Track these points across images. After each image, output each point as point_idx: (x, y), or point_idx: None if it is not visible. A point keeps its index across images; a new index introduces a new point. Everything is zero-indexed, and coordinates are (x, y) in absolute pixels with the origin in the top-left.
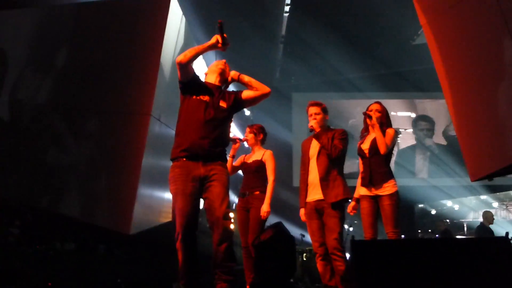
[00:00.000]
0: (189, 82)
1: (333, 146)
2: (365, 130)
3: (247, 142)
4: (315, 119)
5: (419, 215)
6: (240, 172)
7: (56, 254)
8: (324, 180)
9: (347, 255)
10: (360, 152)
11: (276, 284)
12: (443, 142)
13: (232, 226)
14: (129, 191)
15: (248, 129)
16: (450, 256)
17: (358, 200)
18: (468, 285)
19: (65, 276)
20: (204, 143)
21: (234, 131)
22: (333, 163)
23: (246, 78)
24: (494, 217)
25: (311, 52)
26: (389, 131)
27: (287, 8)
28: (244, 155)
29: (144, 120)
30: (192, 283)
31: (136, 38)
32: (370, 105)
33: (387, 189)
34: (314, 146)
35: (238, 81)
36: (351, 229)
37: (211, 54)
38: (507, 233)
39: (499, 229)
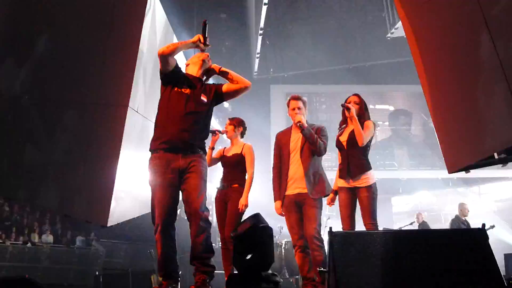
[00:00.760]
0: (170, 74)
1: (320, 145)
2: (343, 123)
3: (226, 134)
4: (296, 113)
5: (397, 207)
6: (219, 164)
7: (33, 246)
8: (308, 175)
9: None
10: (338, 144)
11: (254, 275)
12: (421, 134)
13: (210, 218)
14: (106, 183)
15: (228, 122)
16: (427, 247)
17: (336, 192)
18: (445, 275)
19: (42, 268)
20: (184, 136)
21: (213, 123)
22: (315, 158)
23: (226, 71)
24: (470, 209)
25: (289, 44)
26: (367, 123)
27: (266, 0)
28: (223, 148)
29: (121, 112)
30: (171, 275)
31: (114, 29)
32: (349, 97)
33: (364, 181)
34: (296, 139)
35: (218, 74)
36: (329, 221)
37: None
38: (483, 225)
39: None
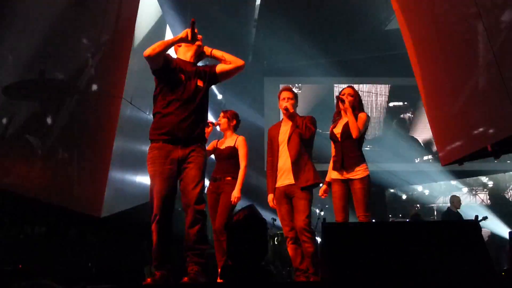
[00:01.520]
0: (161, 69)
1: (306, 127)
2: (337, 115)
3: (219, 126)
4: (287, 102)
5: (390, 199)
6: (212, 156)
7: (26, 238)
8: (295, 165)
9: (318, 239)
10: (332, 136)
11: (248, 267)
12: (414, 127)
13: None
14: (100, 173)
15: (222, 114)
16: (421, 239)
17: (329, 184)
18: (438, 267)
19: (36, 260)
20: (184, 126)
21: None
22: (303, 148)
23: (218, 53)
24: (463, 202)
25: (283, 36)
26: (362, 115)
27: None
28: (216, 140)
29: (115, 103)
30: (164, 266)
31: (108, 19)
32: (343, 89)
33: (358, 173)
34: (284, 132)
35: (211, 56)
36: (322, 213)
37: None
38: (476, 216)
39: (468, 213)
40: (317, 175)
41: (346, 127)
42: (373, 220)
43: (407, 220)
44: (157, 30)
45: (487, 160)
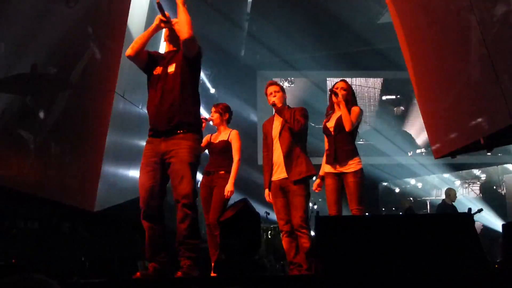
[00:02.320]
0: (147, 65)
1: (295, 120)
2: (331, 108)
3: (212, 121)
4: (275, 96)
5: (383, 193)
6: (206, 151)
7: (19, 232)
8: (288, 158)
9: (312, 232)
10: (326, 130)
11: (241, 261)
12: (408, 120)
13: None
14: (93, 168)
15: (213, 109)
16: (414, 232)
17: (323, 178)
18: (431, 260)
19: (28, 254)
20: (163, 119)
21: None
22: (295, 140)
23: (181, 9)
24: (456, 195)
25: (276, 30)
26: (355, 109)
27: None
28: (210, 135)
29: (108, 97)
30: (155, 258)
31: (100, 13)
32: (336, 83)
33: (351, 166)
34: (276, 126)
35: (165, 27)
36: (315, 206)
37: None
38: (469, 209)
39: (461, 206)
40: (310, 167)
41: (339, 120)
42: (367, 214)
43: (400, 213)
44: (149, 24)
45: (480, 153)
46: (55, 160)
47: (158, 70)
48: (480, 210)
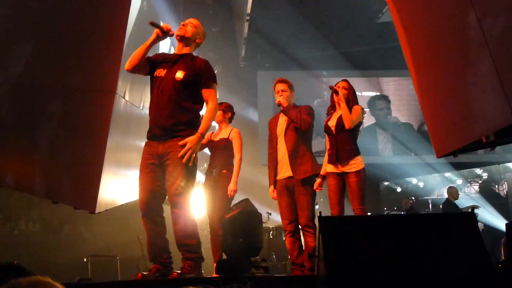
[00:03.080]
0: (149, 72)
1: (302, 119)
2: (332, 108)
3: (214, 119)
4: (281, 95)
5: (385, 192)
6: (206, 150)
7: (20, 234)
8: (293, 157)
9: None
10: (327, 129)
11: (243, 261)
12: (409, 120)
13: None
14: (94, 169)
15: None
16: (417, 232)
17: (324, 177)
18: (434, 259)
19: (30, 255)
20: (160, 122)
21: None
22: (300, 139)
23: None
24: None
25: (276, 30)
26: (356, 108)
27: None
28: (211, 133)
29: (108, 98)
30: (158, 261)
31: (100, 13)
32: (337, 83)
33: (353, 166)
34: (281, 123)
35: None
36: (317, 206)
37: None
38: (472, 208)
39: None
40: (315, 166)
41: (340, 119)
42: (369, 213)
43: (402, 213)
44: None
45: (482, 152)
46: (56, 162)
47: (161, 72)
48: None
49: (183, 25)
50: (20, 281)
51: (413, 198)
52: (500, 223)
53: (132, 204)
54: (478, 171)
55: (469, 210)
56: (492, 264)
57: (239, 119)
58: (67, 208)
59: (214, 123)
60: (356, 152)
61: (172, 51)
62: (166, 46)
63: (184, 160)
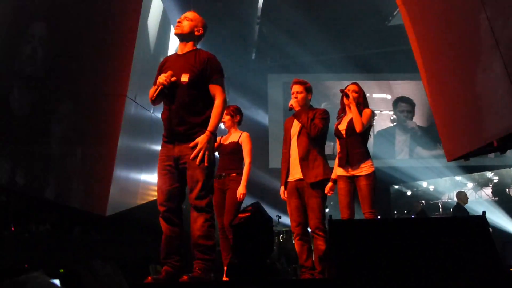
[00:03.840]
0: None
1: (312, 125)
2: (342, 111)
3: (224, 124)
4: (296, 97)
5: (395, 196)
6: (216, 153)
7: (31, 236)
8: (304, 160)
9: None
10: (337, 133)
11: (254, 264)
12: (420, 122)
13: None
14: (105, 172)
15: (225, 111)
16: (428, 235)
17: (335, 181)
18: (446, 263)
19: (40, 258)
20: (173, 125)
21: None
22: (313, 142)
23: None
24: (469, 197)
25: (286, 33)
26: (366, 111)
27: None
28: (220, 137)
29: (119, 101)
30: (169, 263)
31: (111, 18)
32: (347, 86)
33: (364, 169)
34: (296, 125)
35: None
36: (327, 210)
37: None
38: (484, 212)
39: (474, 209)
40: (327, 170)
41: (350, 123)
42: (379, 217)
43: (412, 216)
44: (160, 28)
45: (493, 155)
46: (67, 165)
47: (174, 77)
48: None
49: (179, 22)
50: (17, 280)
51: (423, 201)
52: (510, 226)
53: (143, 206)
54: (489, 174)
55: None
56: (504, 268)
57: (249, 123)
58: (77, 210)
59: (223, 127)
60: (366, 156)
61: None
62: (174, 47)
63: (197, 162)
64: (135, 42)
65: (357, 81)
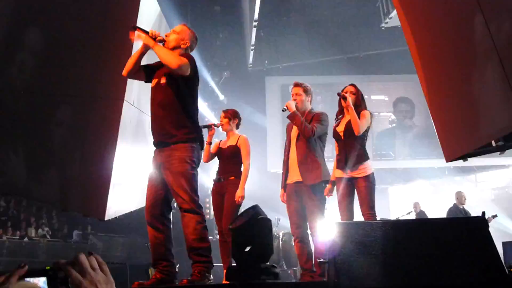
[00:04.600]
0: (147, 79)
1: (305, 127)
2: (340, 113)
3: (222, 127)
4: (295, 99)
5: (394, 197)
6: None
7: (30, 240)
8: (303, 163)
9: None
10: (335, 135)
11: (253, 267)
12: (417, 123)
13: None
14: (103, 176)
15: (223, 114)
16: (428, 236)
17: (334, 183)
18: (445, 264)
19: (39, 263)
20: (155, 130)
21: (208, 115)
22: (311, 145)
23: (156, 49)
24: (468, 198)
25: (284, 36)
26: (364, 113)
27: None
28: (219, 141)
29: (117, 105)
30: (159, 269)
31: (108, 22)
32: (345, 87)
33: (362, 171)
34: (295, 128)
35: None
36: (326, 211)
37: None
38: (483, 213)
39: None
40: (326, 173)
41: (348, 125)
42: (378, 218)
43: (411, 217)
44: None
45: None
46: (65, 169)
47: (153, 82)
48: (494, 216)
49: (166, 36)
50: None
51: (422, 202)
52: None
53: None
54: (488, 175)
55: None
56: (504, 268)
57: (247, 125)
58: (76, 214)
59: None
60: (365, 157)
61: None
62: None
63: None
64: (132, 46)
65: (354, 83)
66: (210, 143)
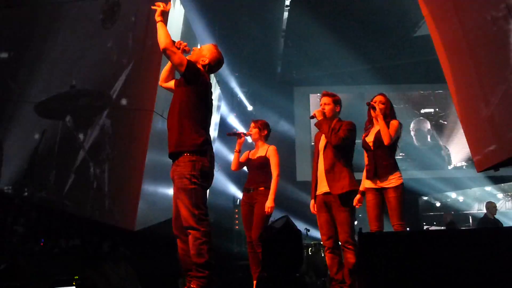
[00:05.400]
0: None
1: (333, 134)
2: (369, 123)
3: (251, 136)
4: (323, 109)
5: (424, 207)
6: (245, 168)
7: (61, 251)
8: (330, 173)
9: None
10: (365, 145)
11: (283, 278)
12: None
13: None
14: (133, 187)
15: (253, 124)
16: (459, 247)
17: (363, 193)
18: (477, 276)
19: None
20: (169, 144)
21: (236, 125)
22: (339, 155)
23: (158, 25)
24: (499, 208)
25: (312, 45)
26: (393, 123)
27: (287, 2)
28: (248, 151)
29: (147, 116)
30: (190, 275)
31: (138, 33)
32: (374, 97)
33: (392, 181)
34: (323, 138)
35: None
36: (356, 222)
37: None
38: None
39: (505, 220)
40: (353, 182)
41: (378, 135)
42: (408, 229)
43: (443, 228)
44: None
45: None
46: (95, 180)
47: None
48: None
49: (193, 50)
50: None
51: (452, 212)
52: None
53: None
54: None
55: None
56: None
57: (276, 136)
58: (106, 225)
59: (250, 140)
60: (394, 168)
61: None
62: None
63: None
64: (162, 58)
65: (383, 92)
66: (239, 151)
